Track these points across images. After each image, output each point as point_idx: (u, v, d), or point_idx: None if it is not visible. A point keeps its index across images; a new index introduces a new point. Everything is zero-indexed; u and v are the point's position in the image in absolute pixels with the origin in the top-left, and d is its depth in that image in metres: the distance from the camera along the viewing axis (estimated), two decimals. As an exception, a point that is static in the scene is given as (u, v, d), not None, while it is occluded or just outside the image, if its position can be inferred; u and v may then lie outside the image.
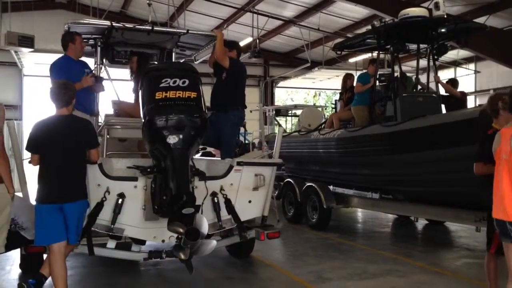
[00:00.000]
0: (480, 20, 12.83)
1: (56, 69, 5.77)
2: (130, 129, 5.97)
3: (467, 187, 6.14)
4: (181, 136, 4.49)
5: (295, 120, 16.61)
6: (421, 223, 10.04)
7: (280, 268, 6.32)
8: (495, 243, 4.28)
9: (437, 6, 7.23)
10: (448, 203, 7.09)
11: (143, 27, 6.38)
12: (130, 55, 6.99)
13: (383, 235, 9.35)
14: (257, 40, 17.19)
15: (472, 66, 19.94)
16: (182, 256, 4.38)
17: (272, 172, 5.80)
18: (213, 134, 6.09)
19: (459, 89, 9.15)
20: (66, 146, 4.44)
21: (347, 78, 9.70)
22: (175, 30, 7.47)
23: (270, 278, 5.92)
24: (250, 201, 5.63)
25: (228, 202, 5.38)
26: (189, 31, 6.56)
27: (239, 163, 5.56)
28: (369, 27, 8.41)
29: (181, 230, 4.30)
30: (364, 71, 8.97)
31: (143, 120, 4.65)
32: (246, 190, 5.59)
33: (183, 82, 4.66)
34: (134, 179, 5.09)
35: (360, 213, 11.70)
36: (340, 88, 10.44)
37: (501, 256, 4.20)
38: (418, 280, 5.68)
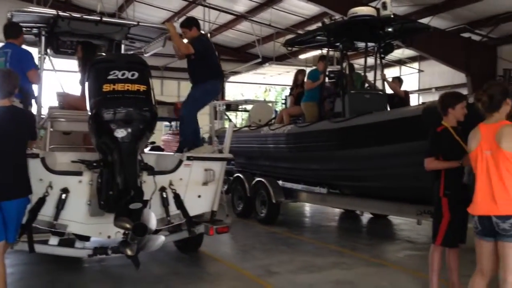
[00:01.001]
0: (424, 20, 13.30)
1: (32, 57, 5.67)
2: (75, 122, 5.78)
3: (411, 181, 6.38)
4: (129, 130, 4.41)
5: (245, 115, 16.66)
6: (366, 217, 10.33)
7: (229, 263, 6.33)
8: (441, 235, 4.44)
9: (384, 6, 7.43)
10: (392, 197, 7.32)
11: (91, 17, 6.19)
12: (76, 45, 6.78)
13: (329, 229, 9.55)
14: (208, 34, 17.06)
15: (416, 65, 20.67)
16: (129, 252, 4.31)
17: (222, 167, 5.79)
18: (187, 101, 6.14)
19: (403, 87, 9.47)
20: (4, 140, 4.21)
21: (299, 73, 9.82)
22: (125, 21, 7.31)
23: (218, 272, 5.93)
24: (199, 196, 5.60)
25: (177, 197, 5.33)
26: (140, 23, 6.43)
27: (188, 158, 5.52)
28: (320, 24, 8.54)
29: (128, 225, 4.22)
30: (314, 67, 9.09)
31: (89, 113, 4.52)
32: (196, 185, 5.55)
33: (132, 75, 4.57)
34: (79, 173, 4.95)
35: (308, 208, 11.88)
36: (290, 84, 10.54)
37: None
38: (363, 272, 5.84)
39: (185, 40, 6.41)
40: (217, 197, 5.76)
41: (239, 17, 17.99)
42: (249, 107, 15.23)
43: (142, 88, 4.57)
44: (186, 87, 7.42)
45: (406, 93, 9.30)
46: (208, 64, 6.24)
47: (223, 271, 5.99)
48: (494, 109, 3.66)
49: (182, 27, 6.40)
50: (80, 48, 6.55)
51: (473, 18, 16.18)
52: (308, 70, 9.50)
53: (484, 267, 3.74)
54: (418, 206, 6.61)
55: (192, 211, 5.49)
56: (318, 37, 8.65)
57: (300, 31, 15.81)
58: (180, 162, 5.48)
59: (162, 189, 5.23)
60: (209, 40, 6.80)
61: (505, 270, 3.55)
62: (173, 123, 13.85)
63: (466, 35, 17.27)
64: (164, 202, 5.23)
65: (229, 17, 18.26)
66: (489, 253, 3.68)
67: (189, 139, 6.11)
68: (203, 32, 6.69)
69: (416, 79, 21.11)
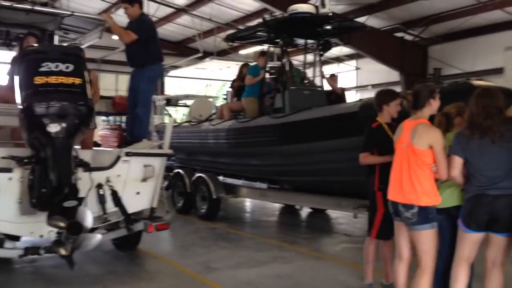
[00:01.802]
0: (361, 19, 13.66)
1: None
2: (3, 116, 5.48)
3: (348, 176, 6.56)
4: (63, 125, 4.25)
5: (186, 110, 16.46)
6: (305, 211, 10.52)
7: (168, 260, 6.24)
8: (375, 228, 4.60)
9: (323, 4, 7.58)
10: (331, 192, 7.49)
11: (22, 5, 5.88)
12: (26, 35, 6.40)
13: (269, 223, 9.65)
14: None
15: (353, 62, 21.24)
16: (63, 252, 4.15)
17: (162, 163, 5.69)
18: (131, 92, 5.96)
19: (339, 84, 9.69)
20: None
21: (244, 67, 9.79)
22: (58, 11, 7.00)
23: (156, 270, 5.83)
24: (138, 193, 5.49)
25: (114, 194, 5.19)
26: (74, 13, 6.18)
27: (127, 154, 5.38)
28: (260, 20, 8.58)
29: (62, 224, 4.07)
30: (255, 63, 9.13)
31: (20, 107, 4.30)
32: (134, 182, 5.43)
33: (67, 67, 4.41)
34: (9, 170, 4.70)
35: (248, 203, 11.95)
36: (231, 79, 10.52)
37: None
38: (301, 265, 5.94)
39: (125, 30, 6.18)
40: (157, 194, 5.67)
41: (179, 11, 17.74)
42: (189, 102, 15.05)
43: (77, 81, 4.42)
44: (124, 80, 7.25)
45: (343, 90, 9.54)
46: (150, 48, 6.08)
47: (162, 269, 5.89)
48: (418, 107, 3.86)
49: (124, 2, 6.18)
50: (31, 40, 6.16)
51: (406, 18, 16.84)
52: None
53: (401, 249, 4.00)
54: (355, 200, 6.80)
55: (131, 208, 5.37)
56: (259, 33, 8.67)
57: (241, 27, 15.81)
58: (118, 158, 5.34)
59: (99, 186, 5.07)
60: (151, 21, 6.62)
61: (419, 257, 3.81)
62: (111, 118, 13.45)
63: (399, 34, 17.97)
64: (101, 200, 5.07)
65: (169, 10, 17.96)
66: (404, 235, 3.95)
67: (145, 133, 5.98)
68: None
69: (354, 76, 21.72)
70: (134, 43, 6.02)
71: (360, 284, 4.87)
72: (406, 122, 3.95)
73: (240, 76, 9.68)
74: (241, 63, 10.70)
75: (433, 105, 3.86)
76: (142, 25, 6.09)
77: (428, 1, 14.60)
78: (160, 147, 5.87)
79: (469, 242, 3.72)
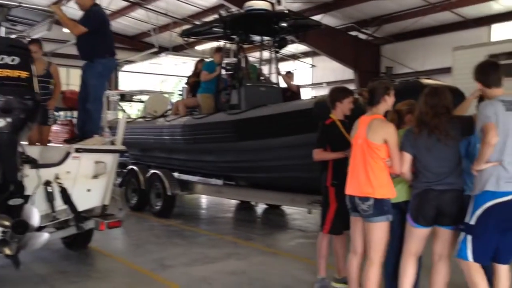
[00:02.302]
0: (316, 17, 13.85)
1: None
2: None
3: (303, 172, 6.63)
4: (8, 120, 4.10)
5: (141, 106, 16.18)
6: (260, 207, 10.57)
7: (120, 258, 6.12)
8: (328, 224, 4.67)
9: (279, 1, 7.61)
10: (286, 188, 7.55)
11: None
12: None
13: (225, 220, 9.64)
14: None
15: (309, 60, 21.50)
16: (8, 251, 4.00)
17: (114, 159, 5.56)
18: (82, 86, 5.81)
19: (295, 81, 9.78)
20: None
21: (199, 62, 9.69)
22: (4, 1, 6.69)
23: (108, 269, 5.70)
24: (89, 190, 5.35)
25: (64, 191, 5.04)
26: (21, 4, 5.93)
27: (77, 150, 5.23)
28: (216, 16, 8.52)
29: (6, 223, 3.92)
30: (211, 59, 9.06)
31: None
32: (85, 178, 5.29)
33: (12, 60, 4.25)
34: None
35: (204, 200, 11.89)
36: (187, 75, 10.40)
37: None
38: (256, 262, 5.96)
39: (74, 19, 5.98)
40: (109, 191, 5.54)
41: (134, 4, 17.42)
42: (144, 97, 14.80)
43: (24, 74, 4.27)
44: (76, 74, 7.03)
45: (298, 87, 9.62)
46: (101, 40, 5.91)
47: (114, 268, 5.77)
48: (373, 103, 3.97)
49: None
50: None
51: (360, 17, 17.21)
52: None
53: (356, 244, 4.08)
54: (309, 196, 6.87)
55: (81, 206, 5.23)
56: (215, 29, 8.62)
57: (197, 22, 15.67)
58: (68, 154, 5.18)
59: (47, 183, 4.91)
60: (103, 12, 6.42)
61: (369, 248, 3.91)
62: (61, 113, 13.06)
63: (354, 33, 18.33)
64: (49, 197, 4.92)
65: (123, 4, 17.61)
66: (360, 230, 4.02)
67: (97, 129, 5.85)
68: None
69: (309, 73, 21.99)
70: (84, 35, 5.83)
71: (314, 279, 4.93)
72: (362, 118, 4.04)
73: (196, 72, 9.59)
74: (197, 59, 10.61)
75: (388, 102, 3.96)
76: (92, 16, 5.90)
77: (380, 1, 14.95)
78: (112, 143, 5.74)
79: (416, 236, 3.85)
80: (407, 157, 3.82)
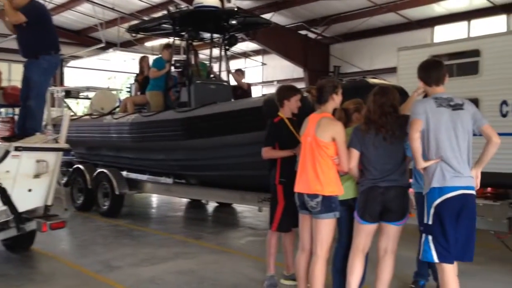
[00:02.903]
0: (267, 16, 13.91)
1: None
2: None
3: (253, 170, 6.63)
4: None
5: (88, 103, 15.72)
6: (211, 206, 10.52)
7: (65, 260, 5.92)
8: (276, 221, 4.69)
9: (229, -2, 7.57)
10: (237, 186, 7.53)
11: None
12: None
13: (175, 219, 9.52)
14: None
15: (259, 58, 21.57)
16: None
17: (57, 158, 5.37)
18: (24, 83, 5.56)
19: (245, 79, 9.76)
20: None
21: (142, 60, 9.51)
22: None
23: (52, 272, 5.49)
24: (30, 190, 5.15)
25: (3, 191, 4.82)
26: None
27: (17, 148, 5.00)
28: (165, 11, 8.38)
29: None
30: (159, 55, 8.91)
31: None
32: (26, 178, 5.08)
33: None
34: None
35: (154, 198, 11.71)
36: (136, 71, 10.17)
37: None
38: (206, 260, 5.92)
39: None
40: (52, 191, 5.34)
41: (80, -2, 16.90)
42: (91, 94, 14.39)
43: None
44: (18, 70, 6.71)
45: (249, 85, 9.62)
46: (43, 36, 5.66)
47: (58, 270, 5.56)
48: (322, 102, 4.03)
49: None
50: None
51: (310, 17, 17.42)
52: (153, 57, 9.28)
53: (304, 241, 4.13)
54: (259, 193, 6.88)
55: (22, 207, 5.04)
56: (164, 25, 8.48)
57: (145, 18, 15.38)
58: (7, 153, 4.94)
59: (-15, 183, 4.68)
60: (43, 6, 6.14)
61: (315, 244, 3.97)
62: (2, 110, 12.49)
63: (304, 32, 18.54)
64: (-13, 198, 4.68)
65: (69, -3, 17.04)
66: (308, 227, 4.07)
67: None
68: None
69: (260, 71, 22.07)
70: (26, 30, 5.58)
71: (264, 277, 4.94)
72: (311, 116, 4.08)
73: (141, 70, 9.37)
74: (148, 55, 10.41)
75: (336, 100, 4.03)
76: (31, 8, 5.63)
77: (329, 1, 15.20)
78: (56, 141, 5.53)
79: (364, 233, 3.94)
80: (355, 153, 3.91)
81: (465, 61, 7.69)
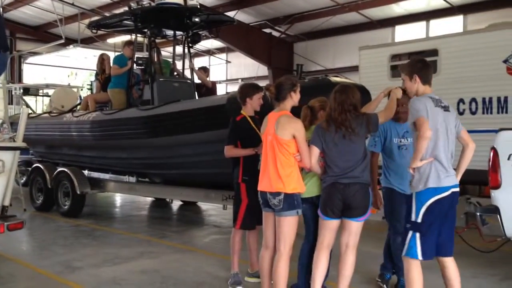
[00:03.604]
0: (231, 14, 13.89)
1: None
2: None
3: (217, 168, 6.62)
4: None
5: (47, 100, 15.33)
6: (176, 204, 10.45)
7: (24, 262, 5.75)
8: (240, 219, 4.70)
9: (191, -5, 7.52)
10: (201, 184, 7.50)
11: None
12: None
13: (139, 218, 9.40)
14: (0, 9, 15.23)
15: (224, 56, 21.53)
16: None
17: (14, 157, 5.20)
18: None
19: (210, 77, 9.72)
20: None
21: (102, 59, 9.31)
22: None
23: (10, 274, 5.32)
24: (-15, 190, 4.96)
25: (-43, 192, 4.64)
26: None
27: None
28: (127, 8, 8.25)
29: None
30: (121, 53, 8.77)
31: None
32: (-20, 178, 4.90)
33: None
34: None
35: (118, 197, 11.53)
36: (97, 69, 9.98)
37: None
38: (170, 259, 5.87)
39: None
40: (9, 191, 5.17)
41: (38, -8, 16.44)
42: (51, 91, 14.05)
43: None
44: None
45: (214, 83, 9.58)
46: None
47: (16, 272, 5.41)
48: (280, 99, 4.04)
49: None
50: None
51: (273, 15, 17.50)
52: (115, 54, 9.13)
53: (267, 238, 4.16)
54: (223, 191, 6.88)
55: (-24, 208, 4.85)
56: (125, 22, 8.35)
57: (107, 14, 15.10)
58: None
59: None
60: None
61: (279, 241, 3.99)
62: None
63: (268, 30, 18.61)
64: None
65: (26, -8, 16.55)
66: (271, 225, 4.09)
67: None
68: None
69: (224, 69, 22.03)
70: None
71: (228, 275, 4.94)
72: (270, 114, 4.09)
73: (103, 69, 9.16)
74: (111, 52, 10.23)
75: (294, 98, 4.05)
76: None
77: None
78: (13, 139, 5.36)
79: (327, 228, 4.00)
80: (315, 150, 3.96)
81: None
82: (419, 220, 3.54)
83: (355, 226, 3.99)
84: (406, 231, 3.64)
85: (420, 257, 3.55)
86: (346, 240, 4.01)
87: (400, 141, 4.60)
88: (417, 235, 3.55)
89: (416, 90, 3.73)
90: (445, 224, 3.61)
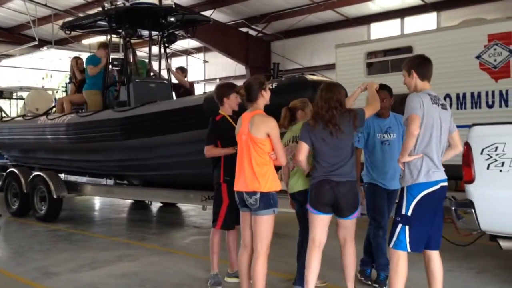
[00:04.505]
0: (207, 13, 13.82)
1: None
2: None
3: (195, 169, 6.58)
4: None
5: (22, 103, 15.04)
6: (155, 206, 10.37)
7: (-1, 269, 5.65)
8: (220, 219, 4.68)
9: (166, -5, 7.46)
10: (180, 185, 7.45)
11: None
12: None
13: (118, 221, 9.30)
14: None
15: (201, 55, 21.43)
16: None
17: (-13, 162, 5.10)
18: None
19: (188, 78, 9.64)
20: None
21: (76, 62, 9.13)
22: None
23: (-15, 282, 5.24)
24: (-43, 197, 4.85)
25: None
26: None
27: None
28: (101, 8, 8.15)
29: None
30: (93, 53, 8.64)
31: None
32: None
33: None
34: None
35: (97, 201, 11.40)
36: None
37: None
38: (149, 262, 5.81)
39: None
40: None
41: (10, -6, 16.12)
42: (26, 94, 13.79)
43: None
44: None
45: (192, 83, 9.52)
46: None
47: (-8, 279, 5.31)
48: (252, 99, 4.04)
49: None
50: None
51: (250, 14, 17.49)
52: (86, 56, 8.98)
53: (246, 238, 4.16)
54: (203, 192, 6.85)
55: None
56: (100, 22, 8.24)
57: (81, 14, 14.89)
58: None
59: None
60: None
61: (255, 240, 4.01)
62: None
63: (244, 29, 18.59)
64: None
65: (-2, -7, 16.21)
66: (249, 224, 4.11)
67: None
68: None
69: (202, 69, 21.93)
70: None
71: (207, 275, 4.92)
72: (244, 114, 4.10)
73: (79, 69, 9.00)
74: (87, 53, 10.06)
75: (265, 96, 4.06)
76: None
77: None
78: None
79: (318, 224, 4.05)
80: (304, 146, 4.01)
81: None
82: (409, 213, 3.60)
83: (349, 223, 4.09)
84: (395, 224, 3.69)
85: (408, 249, 3.61)
86: (343, 235, 4.11)
87: (383, 137, 4.65)
88: (407, 228, 3.60)
89: (414, 86, 3.75)
90: (434, 217, 3.68)
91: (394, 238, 3.67)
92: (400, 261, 3.65)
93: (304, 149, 4.01)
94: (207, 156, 4.73)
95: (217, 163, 4.71)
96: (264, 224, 3.95)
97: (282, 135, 4.64)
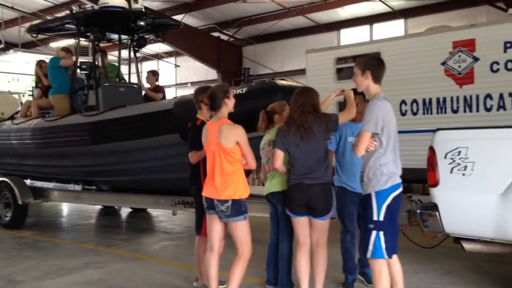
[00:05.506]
0: (178, 17, 13.76)
1: None
2: None
3: (166, 173, 6.53)
4: None
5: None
6: (125, 212, 10.22)
7: (-40, 279, 5.47)
8: (205, 227, 4.60)
9: (136, -1, 7.39)
10: (150, 190, 7.36)
11: None
12: None
13: (86, 227, 9.13)
14: None
15: (172, 60, 21.31)
16: None
17: None
18: None
19: (159, 82, 9.54)
20: None
21: (41, 66, 8.90)
22: None
23: None
24: None
25: None
26: None
27: None
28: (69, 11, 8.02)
29: None
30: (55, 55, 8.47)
31: None
32: None
33: None
34: None
35: (65, 207, 11.17)
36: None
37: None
38: (117, 268, 5.71)
39: None
40: None
41: (-25, -5, 15.69)
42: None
43: None
44: None
45: (162, 88, 9.41)
46: None
47: (-48, 289, 5.14)
48: (215, 108, 4.04)
49: None
50: None
51: (221, 19, 17.52)
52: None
53: (213, 241, 4.15)
54: (173, 197, 6.77)
55: None
56: (68, 25, 8.11)
57: (49, 17, 14.63)
58: None
59: None
60: None
61: (236, 245, 4.03)
62: None
63: (216, 34, 18.59)
64: None
65: (-38, -6, 15.76)
66: (216, 227, 4.11)
67: None
68: None
69: (173, 73, 21.81)
70: None
71: (176, 281, 4.88)
72: (209, 124, 4.10)
73: (44, 74, 8.76)
74: (50, 56, 9.88)
75: (229, 104, 4.04)
76: None
77: (239, 3, 15.34)
78: None
79: (298, 225, 4.16)
80: (279, 153, 4.09)
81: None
82: (381, 218, 3.57)
83: (321, 225, 4.13)
84: (368, 232, 3.61)
85: (385, 255, 3.58)
86: (315, 237, 4.16)
87: (354, 140, 4.70)
88: (381, 234, 3.56)
89: (366, 87, 3.70)
90: (395, 221, 3.72)
91: (370, 247, 3.59)
92: (382, 271, 3.61)
93: (279, 156, 4.09)
94: (193, 162, 4.59)
95: (196, 170, 4.63)
96: (241, 230, 3.99)
97: (260, 138, 4.69)
